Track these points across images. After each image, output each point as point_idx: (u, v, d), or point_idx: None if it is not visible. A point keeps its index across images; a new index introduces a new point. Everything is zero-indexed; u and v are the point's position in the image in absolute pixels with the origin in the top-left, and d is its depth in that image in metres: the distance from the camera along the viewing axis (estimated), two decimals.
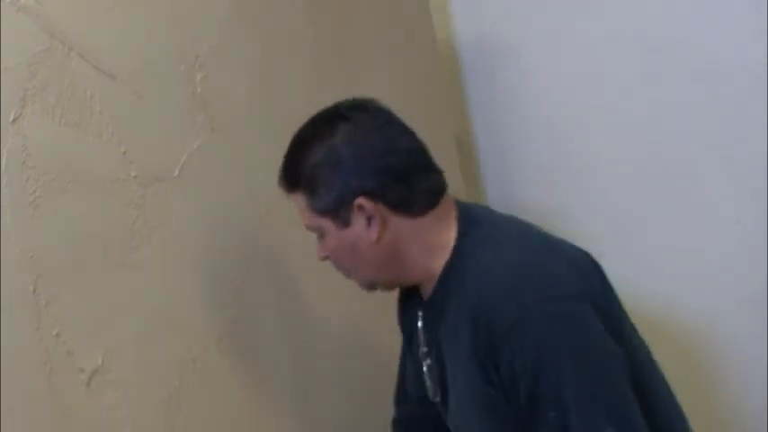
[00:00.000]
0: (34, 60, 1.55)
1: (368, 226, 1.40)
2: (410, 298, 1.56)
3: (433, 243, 1.42)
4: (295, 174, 1.43)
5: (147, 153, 1.69)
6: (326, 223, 1.42)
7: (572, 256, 1.40)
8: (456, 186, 2.40)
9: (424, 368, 1.52)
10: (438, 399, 1.52)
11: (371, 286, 1.51)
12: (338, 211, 1.41)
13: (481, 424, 1.41)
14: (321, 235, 1.45)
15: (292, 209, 1.50)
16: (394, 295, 1.65)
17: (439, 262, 1.42)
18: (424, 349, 1.52)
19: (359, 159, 1.39)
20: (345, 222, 1.41)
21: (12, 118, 1.52)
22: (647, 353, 1.46)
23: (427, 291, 1.47)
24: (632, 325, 1.44)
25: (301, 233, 1.54)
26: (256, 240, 1.88)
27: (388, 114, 1.45)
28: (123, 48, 1.67)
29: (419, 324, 1.53)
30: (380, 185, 1.39)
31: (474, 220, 1.44)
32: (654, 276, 2.15)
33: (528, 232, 1.45)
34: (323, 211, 1.42)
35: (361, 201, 1.39)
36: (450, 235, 1.42)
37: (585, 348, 1.30)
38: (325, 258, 1.49)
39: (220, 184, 1.81)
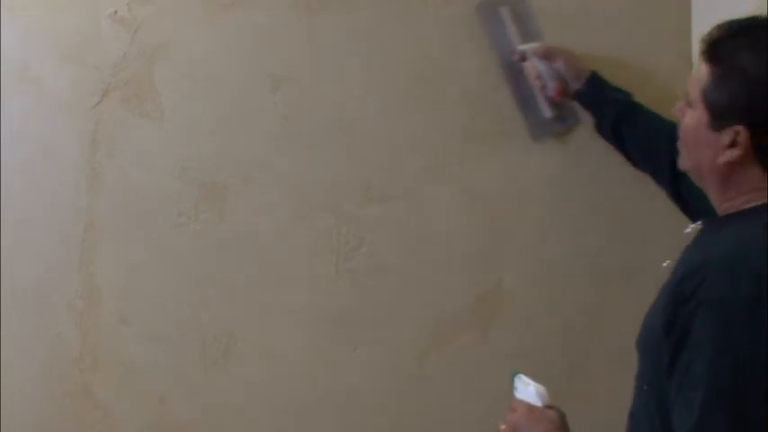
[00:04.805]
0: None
1: (727, 147, 1.35)
2: None
3: (748, 196, 1.38)
4: (723, 55, 1.36)
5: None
6: (702, 112, 1.37)
7: None
8: None
9: (665, 264, 1.50)
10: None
11: (683, 168, 1.49)
12: (718, 116, 1.35)
13: (645, 344, 1.43)
14: (689, 105, 1.41)
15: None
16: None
17: (743, 205, 1.38)
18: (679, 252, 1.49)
19: None
20: (716, 128, 1.36)
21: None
22: None
23: (718, 211, 1.44)
24: None
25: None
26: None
27: None
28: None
29: (688, 230, 1.52)
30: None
31: None
32: None
33: None
34: (707, 103, 1.37)
35: (740, 129, 1.33)
36: (765, 198, 1.37)
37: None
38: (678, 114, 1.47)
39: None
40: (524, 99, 1.93)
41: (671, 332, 1.33)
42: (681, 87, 1.48)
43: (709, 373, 1.27)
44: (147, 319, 2.01)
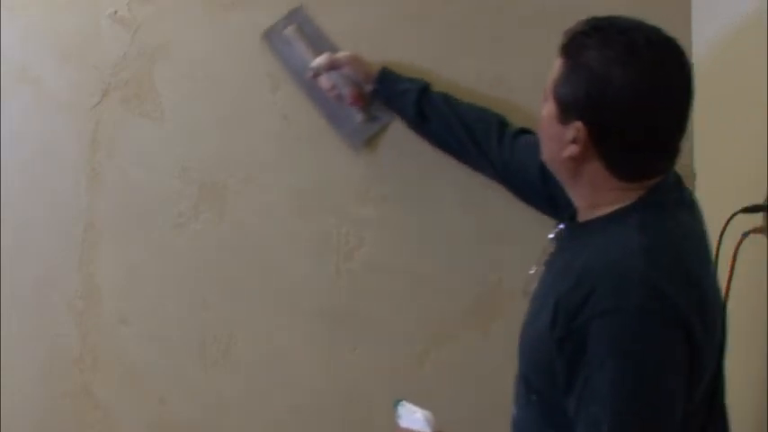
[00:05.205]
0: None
1: (570, 142, 1.35)
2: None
3: (608, 198, 1.38)
4: (573, 50, 1.36)
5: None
6: (552, 105, 1.38)
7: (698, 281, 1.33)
8: None
9: (532, 271, 1.54)
10: (527, 298, 1.51)
11: (543, 160, 1.47)
12: (564, 110, 1.36)
13: (530, 356, 1.44)
14: (545, 98, 1.40)
15: None
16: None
17: (607, 208, 1.38)
18: (544, 257, 1.51)
19: (620, 101, 1.31)
20: (563, 121, 1.36)
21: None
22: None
23: (580, 214, 1.45)
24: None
25: None
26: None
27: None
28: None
29: (551, 235, 1.52)
30: (609, 136, 1.33)
31: (658, 205, 1.37)
32: None
33: (681, 244, 1.35)
34: (556, 96, 1.37)
35: (579, 126, 1.34)
36: (628, 199, 1.37)
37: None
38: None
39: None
40: (332, 112, 1.94)
41: (564, 348, 1.31)
42: None
43: (611, 388, 1.26)
44: (147, 319, 2.01)
